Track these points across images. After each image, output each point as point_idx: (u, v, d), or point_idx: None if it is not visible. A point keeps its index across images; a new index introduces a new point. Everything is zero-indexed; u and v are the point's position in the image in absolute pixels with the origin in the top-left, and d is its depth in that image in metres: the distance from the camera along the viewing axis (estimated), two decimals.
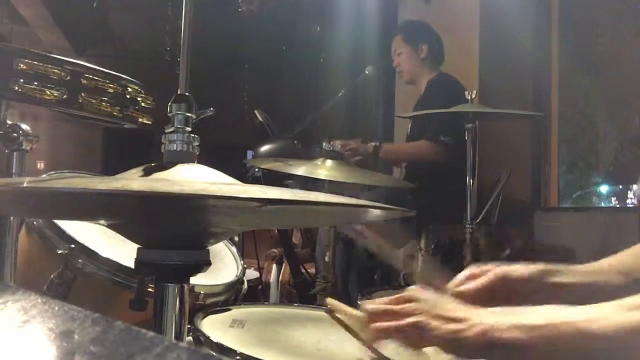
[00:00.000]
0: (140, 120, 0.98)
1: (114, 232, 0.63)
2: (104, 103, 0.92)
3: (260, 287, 2.59)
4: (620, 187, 2.86)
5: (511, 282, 0.85)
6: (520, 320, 0.67)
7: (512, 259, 1.04)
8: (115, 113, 0.93)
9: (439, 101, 2.41)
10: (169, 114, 0.64)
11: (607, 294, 0.71)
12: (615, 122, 3.03)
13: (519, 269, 0.86)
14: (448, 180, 2.28)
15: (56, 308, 0.25)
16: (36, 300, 0.26)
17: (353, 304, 0.98)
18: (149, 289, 1.03)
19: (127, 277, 1.13)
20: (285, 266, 2.73)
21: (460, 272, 0.90)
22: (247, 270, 1.66)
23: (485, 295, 0.83)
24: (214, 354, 0.22)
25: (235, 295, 1.34)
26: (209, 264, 0.60)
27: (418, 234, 2.39)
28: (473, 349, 0.69)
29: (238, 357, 0.75)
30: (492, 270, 0.86)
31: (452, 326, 0.70)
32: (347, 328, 0.89)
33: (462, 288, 0.86)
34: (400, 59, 2.67)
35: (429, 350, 0.80)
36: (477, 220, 1.93)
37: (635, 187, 2.68)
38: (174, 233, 0.59)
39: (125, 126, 0.98)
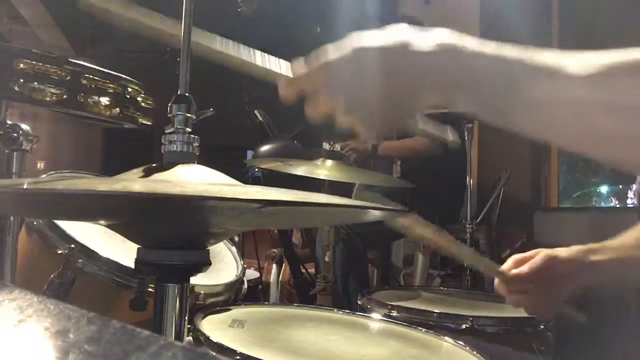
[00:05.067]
0: (140, 120, 0.98)
1: (114, 232, 0.63)
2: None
3: (260, 287, 2.59)
4: (620, 187, 2.86)
5: (558, 264, 0.91)
6: None
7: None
8: (115, 113, 0.93)
9: None
10: (169, 115, 0.64)
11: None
12: None
13: (564, 251, 0.92)
14: (444, 176, 2.28)
15: (52, 307, 0.25)
16: (32, 300, 0.26)
17: (353, 304, 0.98)
18: (149, 289, 1.03)
19: (127, 277, 1.12)
20: (285, 266, 2.73)
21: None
22: (247, 270, 1.66)
23: (534, 278, 0.89)
24: (210, 352, 0.22)
25: (235, 295, 1.34)
26: (209, 264, 0.60)
27: None
28: None
29: (238, 357, 0.75)
30: (540, 254, 0.91)
31: None
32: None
33: (514, 271, 0.91)
34: None
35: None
36: (477, 220, 1.93)
37: (635, 186, 2.68)
38: (174, 233, 0.59)
39: (125, 126, 0.98)
